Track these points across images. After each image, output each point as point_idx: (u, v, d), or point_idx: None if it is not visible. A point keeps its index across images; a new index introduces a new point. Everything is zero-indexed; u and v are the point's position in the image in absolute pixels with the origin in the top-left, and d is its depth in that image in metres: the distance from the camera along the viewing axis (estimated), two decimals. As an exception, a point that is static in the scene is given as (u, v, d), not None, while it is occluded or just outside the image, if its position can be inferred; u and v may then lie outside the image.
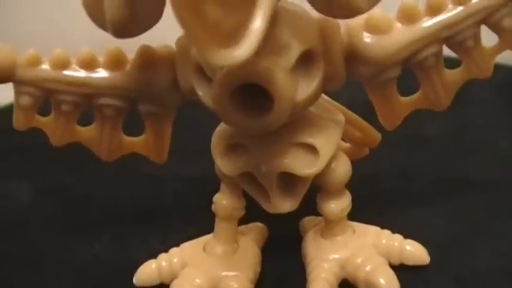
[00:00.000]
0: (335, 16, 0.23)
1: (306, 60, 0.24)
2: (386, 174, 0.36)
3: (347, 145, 0.32)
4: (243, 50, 0.19)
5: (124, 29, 0.23)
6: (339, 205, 0.28)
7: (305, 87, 0.25)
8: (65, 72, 0.27)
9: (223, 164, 0.27)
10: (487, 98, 0.42)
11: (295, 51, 0.24)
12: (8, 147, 0.42)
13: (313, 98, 0.25)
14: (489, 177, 0.35)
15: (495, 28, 0.27)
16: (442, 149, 0.39)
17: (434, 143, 0.39)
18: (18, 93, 0.27)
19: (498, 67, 0.29)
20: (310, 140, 0.26)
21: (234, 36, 0.19)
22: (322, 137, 0.26)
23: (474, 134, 0.40)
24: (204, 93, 0.25)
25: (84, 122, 0.29)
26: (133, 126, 0.30)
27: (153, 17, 0.23)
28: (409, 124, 0.29)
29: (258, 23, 0.19)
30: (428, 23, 0.26)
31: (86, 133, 0.29)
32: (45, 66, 0.27)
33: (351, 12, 0.22)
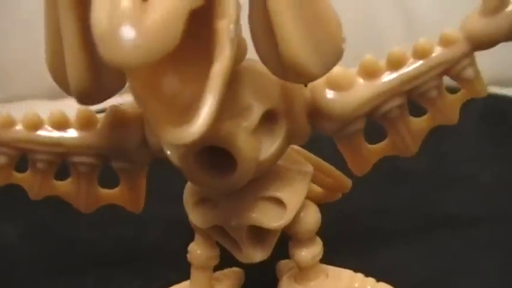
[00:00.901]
0: (290, 81, 0.23)
1: (268, 119, 0.25)
2: (364, 211, 0.36)
3: (319, 190, 0.33)
4: (195, 129, 0.19)
5: (88, 97, 0.23)
6: (310, 253, 0.29)
7: (268, 146, 0.25)
8: (38, 132, 0.28)
9: (195, 217, 0.28)
10: (468, 126, 0.43)
11: (257, 112, 0.24)
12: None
13: (277, 156, 0.26)
14: (468, 213, 0.36)
15: (457, 79, 0.27)
16: (420, 184, 0.39)
17: (412, 177, 0.39)
18: (-5, 153, 0.28)
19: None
20: (277, 194, 0.27)
21: (189, 110, 0.20)
22: (289, 190, 0.27)
23: (454, 166, 0.41)
24: (171, 153, 0.26)
25: (62, 174, 0.30)
26: (110, 178, 0.30)
27: (116, 85, 0.24)
28: (387, 157, 0.29)
29: (210, 100, 0.19)
30: (389, 77, 0.26)
31: (63, 187, 0.30)
32: (19, 127, 0.28)
33: (304, 78, 0.22)
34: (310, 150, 0.31)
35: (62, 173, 0.30)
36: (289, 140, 0.26)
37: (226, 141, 0.24)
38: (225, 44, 0.20)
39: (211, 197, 0.27)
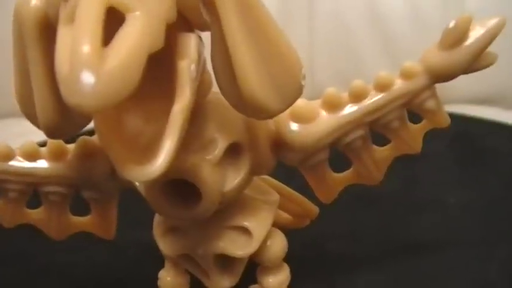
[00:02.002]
0: (250, 116, 0.24)
1: (233, 151, 0.26)
2: (333, 236, 0.37)
3: (287, 216, 0.34)
4: (156, 167, 0.20)
5: (56, 131, 0.24)
6: (277, 279, 0.29)
7: (233, 178, 0.26)
8: (10, 163, 0.28)
9: (164, 246, 0.29)
10: (438, 150, 0.43)
11: (221, 145, 0.25)
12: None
13: (242, 187, 0.26)
14: (436, 238, 0.36)
15: (419, 110, 0.28)
16: (390, 208, 0.39)
17: (382, 201, 0.40)
18: (-35, 183, 0.28)
19: (451, 116, 0.30)
20: (243, 223, 0.28)
21: (150, 148, 0.21)
22: (255, 219, 0.28)
23: (422, 190, 0.41)
24: (139, 185, 0.26)
25: (34, 202, 0.30)
26: (82, 205, 0.31)
27: (84, 120, 0.24)
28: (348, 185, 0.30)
29: (170, 139, 0.20)
30: (351, 109, 0.27)
31: (35, 215, 0.30)
32: (-10, 158, 0.28)
33: (263, 114, 0.23)
34: (277, 178, 0.32)
35: (34, 200, 0.30)
36: (253, 171, 0.27)
37: (191, 174, 0.24)
38: (185, 83, 0.21)
39: (179, 226, 0.28)
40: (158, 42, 0.19)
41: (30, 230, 0.37)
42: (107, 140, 0.20)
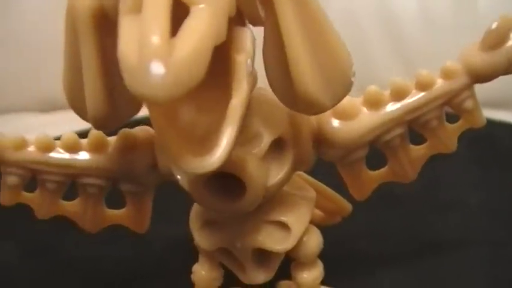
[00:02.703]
0: (301, 112, 0.24)
1: (276, 146, 0.26)
2: (357, 235, 0.37)
3: (320, 213, 0.34)
4: (215, 159, 0.20)
5: (104, 123, 0.24)
6: (311, 275, 0.29)
7: (276, 173, 0.26)
8: (50, 154, 0.28)
9: (201, 239, 0.29)
10: (458, 151, 0.43)
11: (266, 139, 0.25)
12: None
13: (284, 182, 0.27)
14: (458, 238, 0.37)
15: (457, 109, 0.28)
16: (413, 208, 0.40)
17: (405, 201, 0.40)
18: (4, 173, 0.28)
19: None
20: (282, 218, 0.28)
21: (206, 140, 0.21)
22: (294, 215, 0.28)
23: (444, 191, 0.42)
24: (181, 178, 0.26)
25: (69, 194, 0.30)
26: (116, 198, 0.31)
27: (131, 112, 0.25)
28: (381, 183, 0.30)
29: (229, 132, 0.20)
30: (392, 107, 0.28)
31: (70, 207, 0.30)
32: (31, 149, 0.28)
33: (314, 110, 0.23)
34: (311, 175, 0.32)
35: (69, 192, 0.30)
36: (295, 166, 0.27)
37: (237, 167, 0.24)
38: (243, 77, 0.21)
39: (218, 219, 0.28)
40: (222, 35, 0.20)
41: (56, 223, 0.37)
42: (163, 131, 0.21)
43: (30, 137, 0.29)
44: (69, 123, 0.88)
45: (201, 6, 0.19)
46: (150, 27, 0.18)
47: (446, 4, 0.72)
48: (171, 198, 0.34)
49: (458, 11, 0.71)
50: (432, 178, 0.42)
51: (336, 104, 0.24)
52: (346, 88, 0.23)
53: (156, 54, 0.17)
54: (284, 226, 0.28)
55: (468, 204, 0.40)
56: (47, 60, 0.81)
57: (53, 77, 0.87)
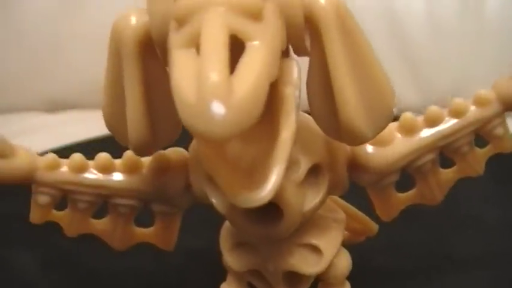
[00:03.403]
0: (344, 142, 0.25)
1: (313, 172, 0.26)
2: (378, 250, 0.37)
3: (345, 233, 0.34)
4: (265, 194, 0.20)
5: (145, 149, 0.24)
6: (339, 296, 0.30)
7: (312, 198, 0.26)
8: (83, 175, 0.28)
9: (231, 260, 0.29)
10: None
11: (304, 166, 0.25)
12: (10, 212, 0.43)
13: (319, 206, 0.27)
14: (475, 253, 0.37)
15: (487, 135, 0.29)
16: (431, 223, 0.40)
17: (424, 217, 0.40)
18: (36, 192, 0.28)
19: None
20: (314, 242, 0.28)
21: (254, 171, 0.21)
22: (326, 238, 0.28)
23: (463, 207, 0.42)
24: (217, 202, 0.26)
25: (97, 211, 0.30)
26: (143, 216, 0.31)
27: (170, 137, 0.25)
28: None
29: (279, 167, 0.20)
30: (426, 133, 0.28)
31: (99, 225, 0.30)
32: (64, 169, 0.28)
33: (358, 141, 0.24)
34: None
35: (98, 210, 0.30)
36: (330, 191, 0.27)
37: (276, 194, 0.24)
38: (291, 110, 0.21)
39: (250, 241, 0.28)
40: (276, 70, 0.20)
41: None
42: (212, 163, 0.21)
43: (63, 160, 0.29)
44: (73, 123, 0.88)
45: (256, 43, 0.19)
46: (210, 66, 0.18)
47: (453, 8, 0.72)
48: (192, 210, 0.34)
49: (465, 15, 0.71)
50: (450, 194, 0.43)
51: (377, 135, 0.24)
52: (388, 120, 0.24)
53: (217, 94, 0.17)
54: (316, 249, 0.28)
55: (486, 219, 0.40)
56: (52, 61, 0.81)
57: (57, 77, 0.87)
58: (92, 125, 0.79)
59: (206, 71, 0.18)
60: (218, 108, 0.17)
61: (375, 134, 0.24)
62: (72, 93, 0.81)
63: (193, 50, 0.19)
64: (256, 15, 0.20)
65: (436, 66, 0.73)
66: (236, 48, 0.19)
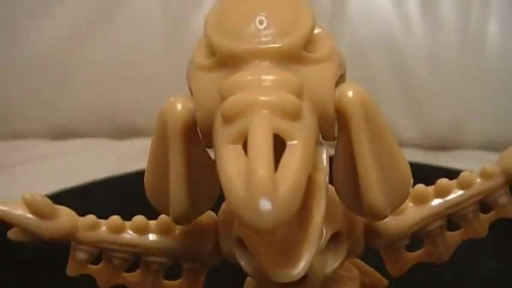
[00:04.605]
0: (364, 217, 0.27)
1: (333, 238, 0.28)
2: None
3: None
4: (298, 272, 0.23)
5: (185, 219, 0.27)
6: None
7: (332, 262, 0.29)
8: (120, 235, 0.31)
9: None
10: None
11: (326, 234, 0.28)
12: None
13: (338, 269, 0.29)
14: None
15: (492, 203, 0.31)
16: (432, 272, 0.42)
17: (425, 265, 0.43)
18: (75, 249, 0.31)
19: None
20: None
21: (287, 248, 0.23)
22: (342, 296, 0.31)
23: (462, 256, 0.44)
24: (245, 264, 0.29)
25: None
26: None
27: (208, 206, 0.27)
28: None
29: (311, 247, 0.23)
30: (436, 203, 0.31)
31: (131, 278, 0.32)
32: (102, 229, 0.30)
33: (377, 218, 0.26)
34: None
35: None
36: (348, 255, 0.29)
37: None
38: (322, 196, 0.24)
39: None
40: (312, 162, 0.22)
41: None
42: (254, 244, 0.23)
43: (101, 220, 0.31)
44: (79, 151, 0.89)
45: (295, 142, 0.22)
46: (258, 165, 0.20)
47: (454, 43, 0.74)
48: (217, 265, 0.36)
49: (465, 51, 0.73)
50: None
51: (395, 210, 0.26)
52: (405, 198, 0.26)
53: (264, 192, 0.20)
54: (333, 307, 0.30)
55: (485, 269, 0.43)
56: (59, 89, 0.83)
57: (64, 106, 0.89)
58: (97, 153, 0.81)
59: (255, 170, 0.20)
60: (266, 205, 0.20)
61: (393, 211, 0.26)
62: (78, 121, 0.83)
63: (240, 147, 0.22)
64: (295, 116, 0.22)
65: (436, 101, 0.75)
66: (277, 141, 0.21)
